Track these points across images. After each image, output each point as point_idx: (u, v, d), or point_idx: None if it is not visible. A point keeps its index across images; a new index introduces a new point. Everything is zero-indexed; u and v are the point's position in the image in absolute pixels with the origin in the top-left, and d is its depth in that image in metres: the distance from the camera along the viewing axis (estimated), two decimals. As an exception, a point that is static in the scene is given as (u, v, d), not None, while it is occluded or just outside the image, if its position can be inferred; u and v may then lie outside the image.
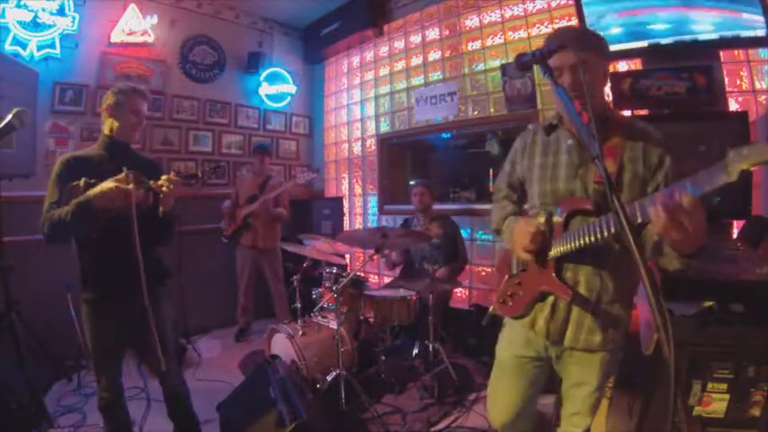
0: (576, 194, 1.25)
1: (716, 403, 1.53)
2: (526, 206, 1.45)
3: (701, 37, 2.40)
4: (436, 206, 3.63)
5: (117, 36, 3.57)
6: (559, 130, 1.33)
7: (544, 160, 1.34)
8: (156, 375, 1.86)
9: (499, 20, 3.47)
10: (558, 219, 1.27)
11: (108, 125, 1.76)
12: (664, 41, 2.51)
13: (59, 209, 1.54)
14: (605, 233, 1.08)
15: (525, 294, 1.34)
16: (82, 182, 1.54)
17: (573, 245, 1.18)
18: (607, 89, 2.81)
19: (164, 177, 1.59)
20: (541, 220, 1.28)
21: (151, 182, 1.58)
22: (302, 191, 4.26)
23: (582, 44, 1.16)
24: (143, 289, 1.50)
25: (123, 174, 1.54)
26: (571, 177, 1.26)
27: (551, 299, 1.29)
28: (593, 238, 1.12)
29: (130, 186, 1.50)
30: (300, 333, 2.69)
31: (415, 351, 2.96)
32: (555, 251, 1.25)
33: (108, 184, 1.50)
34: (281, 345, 2.74)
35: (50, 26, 3.19)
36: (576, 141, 1.26)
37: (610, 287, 1.24)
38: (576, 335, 1.26)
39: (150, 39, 3.71)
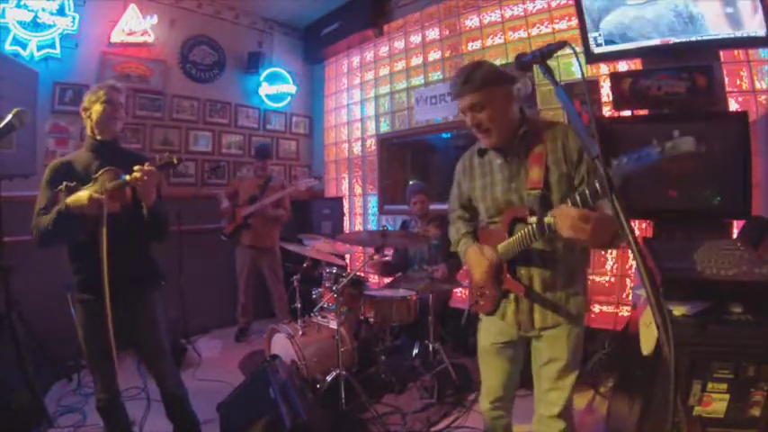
0: (514, 204, 1.43)
1: (716, 403, 1.53)
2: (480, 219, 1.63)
3: (701, 37, 2.40)
4: (436, 206, 3.62)
5: (117, 36, 3.57)
6: (489, 152, 1.50)
7: (483, 181, 1.53)
8: (153, 377, 1.86)
9: (499, 20, 3.48)
10: (549, 219, 1.31)
11: (88, 126, 1.75)
12: (664, 41, 2.51)
13: (45, 216, 1.57)
14: (533, 239, 1.31)
15: (491, 293, 1.52)
16: (63, 186, 1.56)
17: (514, 250, 1.39)
18: (607, 89, 2.82)
19: (136, 168, 1.54)
20: (533, 220, 1.36)
21: (127, 176, 1.55)
22: (302, 192, 4.27)
23: (471, 86, 1.34)
24: (105, 291, 1.50)
25: (99, 173, 1.56)
26: (506, 191, 1.44)
27: (513, 294, 1.47)
28: (525, 245, 1.34)
29: (102, 197, 1.51)
30: (300, 333, 2.69)
31: (415, 351, 2.96)
32: (503, 255, 1.43)
33: (83, 193, 1.52)
34: (281, 345, 2.74)
35: (50, 26, 3.19)
36: (503, 160, 1.45)
37: (561, 276, 1.41)
38: (544, 317, 1.43)
39: (150, 39, 3.71)
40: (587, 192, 1.11)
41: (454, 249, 1.70)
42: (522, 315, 1.46)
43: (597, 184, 1.07)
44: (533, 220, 1.32)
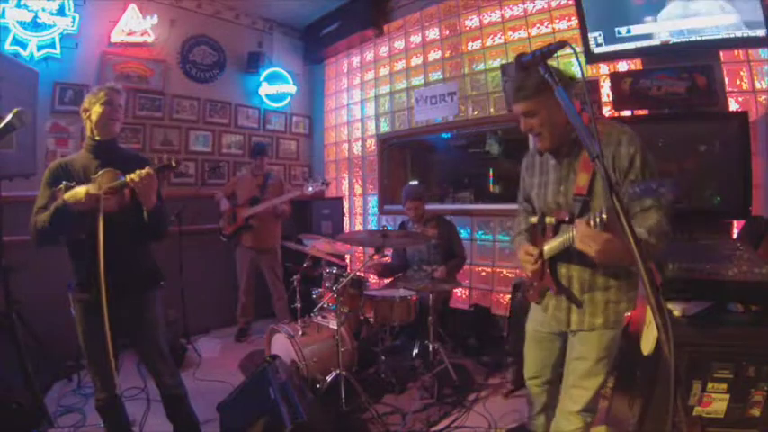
0: (561, 206, 1.47)
1: (716, 403, 1.53)
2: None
3: (701, 37, 2.40)
4: (435, 206, 3.62)
5: (117, 36, 3.57)
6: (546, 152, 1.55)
7: (540, 179, 1.58)
8: (153, 377, 1.86)
9: (499, 20, 3.47)
10: (550, 219, 1.50)
11: (87, 127, 1.76)
12: (664, 41, 2.51)
13: (43, 214, 1.58)
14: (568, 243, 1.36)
15: (538, 286, 1.58)
16: (63, 185, 1.58)
17: (557, 250, 1.44)
18: (607, 89, 2.82)
19: (136, 172, 1.56)
20: (533, 220, 1.57)
21: (127, 177, 1.57)
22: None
23: (524, 94, 1.39)
24: (101, 288, 1.50)
25: (98, 174, 1.57)
26: (556, 193, 1.49)
27: None
28: (566, 246, 1.39)
29: (99, 192, 1.52)
30: (300, 333, 2.69)
31: (415, 351, 2.96)
32: (546, 253, 1.48)
33: (80, 189, 1.53)
34: (281, 345, 2.73)
35: (50, 26, 3.19)
36: (556, 161, 1.50)
37: (600, 278, 1.43)
38: (581, 319, 1.47)
39: (150, 39, 3.71)
40: (604, 216, 1.16)
41: (511, 243, 1.80)
42: (560, 312, 1.52)
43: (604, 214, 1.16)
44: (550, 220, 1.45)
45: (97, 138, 1.74)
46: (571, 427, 1.51)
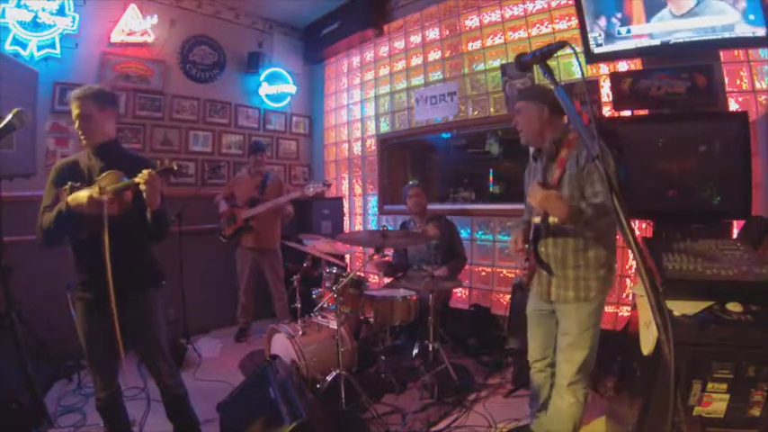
0: None
1: (716, 403, 1.53)
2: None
3: (701, 37, 2.40)
4: (436, 206, 3.61)
5: (117, 36, 3.57)
6: (539, 158, 1.86)
7: (531, 180, 1.89)
8: (153, 377, 1.86)
9: (499, 20, 3.47)
10: (553, 219, 1.72)
11: None
12: (664, 41, 2.51)
13: (48, 213, 1.61)
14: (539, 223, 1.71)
15: (528, 268, 1.84)
16: (68, 186, 1.59)
17: (533, 230, 1.75)
18: (607, 89, 2.82)
19: (139, 175, 1.58)
20: (537, 220, 1.76)
21: (136, 179, 1.58)
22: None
23: (521, 96, 1.83)
24: (110, 290, 1.51)
25: (103, 176, 1.59)
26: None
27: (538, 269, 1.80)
28: (536, 223, 1.73)
29: (103, 197, 1.53)
30: (300, 333, 2.69)
31: (415, 351, 2.96)
32: (531, 236, 1.78)
33: (82, 193, 1.55)
34: (281, 345, 2.74)
35: (50, 26, 3.19)
36: (542, 164, 1.82)
37: (569, 256, 1.71)
38: (557, 292, 1.75)
39: (150, 39, 3.71)
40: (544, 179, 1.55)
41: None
42: (542, 287, 1.80)
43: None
44: (537, 219, 1.71)
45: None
46: (565, 402, 1.71)
